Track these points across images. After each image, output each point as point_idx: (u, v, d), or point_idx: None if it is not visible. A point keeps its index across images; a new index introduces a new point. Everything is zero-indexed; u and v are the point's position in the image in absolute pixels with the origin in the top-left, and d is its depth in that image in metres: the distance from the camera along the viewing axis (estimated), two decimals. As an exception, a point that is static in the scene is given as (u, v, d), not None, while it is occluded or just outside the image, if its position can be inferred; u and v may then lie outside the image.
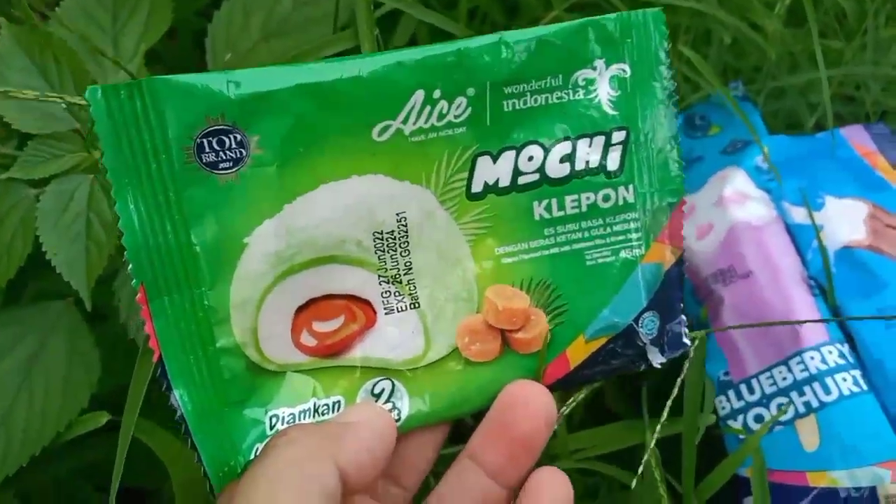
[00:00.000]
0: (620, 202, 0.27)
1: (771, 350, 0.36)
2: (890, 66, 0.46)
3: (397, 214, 0.25)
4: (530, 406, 0.25)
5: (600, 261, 0.27)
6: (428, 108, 0.25)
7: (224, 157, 0.23)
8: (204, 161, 0.23)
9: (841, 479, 0.33)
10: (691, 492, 0.31)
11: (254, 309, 0.24)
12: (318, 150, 0.24)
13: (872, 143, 0.44)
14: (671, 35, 0.49)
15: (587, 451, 0.32)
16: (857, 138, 0.44)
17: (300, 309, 0.25)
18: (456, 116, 0.25)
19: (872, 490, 0.32)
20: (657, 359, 0.28)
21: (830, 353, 0.35)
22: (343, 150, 0.24)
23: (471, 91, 0.25)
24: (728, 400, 0.37)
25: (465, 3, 0.43)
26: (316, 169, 0.24)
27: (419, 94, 0.25)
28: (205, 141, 0.23)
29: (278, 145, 0.23)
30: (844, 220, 0.40)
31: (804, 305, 0.36)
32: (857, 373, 0.35)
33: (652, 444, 0.29)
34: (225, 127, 0.23)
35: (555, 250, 0.27)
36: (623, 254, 0.27)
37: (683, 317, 0.28)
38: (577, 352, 0.27)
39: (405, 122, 0.25)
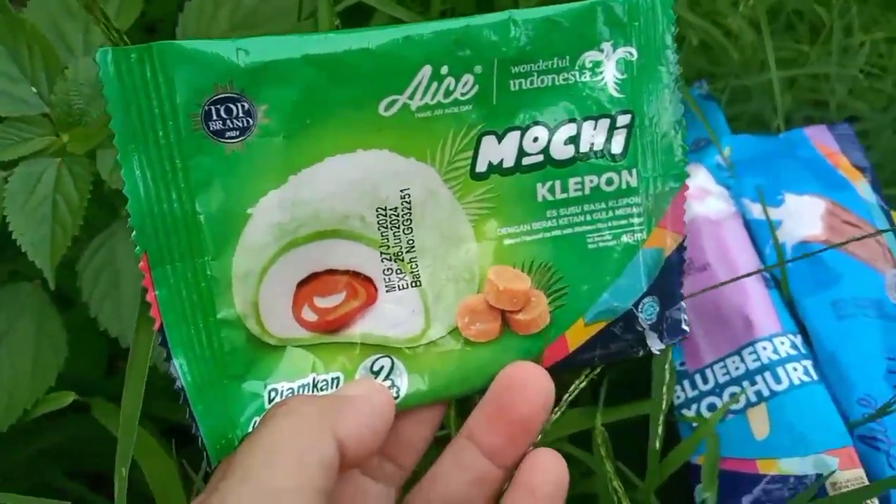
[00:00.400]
0: (624, 186, 0.27)
1: (725, 341, 0.37)
2: (856, 68, 0.47)
3: (401, 191, 0.25)
4: (529, 388, 0.25)
5: (602, 244, 0.27)
6: (435, 84, 0.25)
7: (231, 126, 0.23)
8: (211, 129, 0.23)
9: (790, 466, 0.33)
10: (656, 470, 0.32)
11: (256, 281, 0.24)
12: (324, 123, 0.24)
13: (835, 143, 0.45)
14: None
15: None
16: (820, 138, 0.45)
17: (302, 283, 0.25)
18: (463, 94, 0.25)
19: (820, 477, 0.32)
20: (656, 345, 0.28)
21: (782, 343, 0.36)
22: (349, 124, 0.24)
23: (478, 69, 0.25)
24: (683, 389, 0.38)
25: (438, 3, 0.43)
26: (322, 141, 0.24)
27: (427, 70, 0.24)
28: (212, 108, 0.23)
29: (286, 116, 0.23)
30: (802, 216, 0.41)
31: (759, 297, 0.37)
32: (808, 363, 0.36)
33: (599, 426, 0.30)
34: (233, 95, 0.23)
35: (557, 232, 0.27)
36: (625, 238, 0.27)
37: (683, 303, 0.28)
38: (577, 335, 0.27)
39: (412, 97, 0.25)
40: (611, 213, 0.27)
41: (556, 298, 0.27)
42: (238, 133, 0.23)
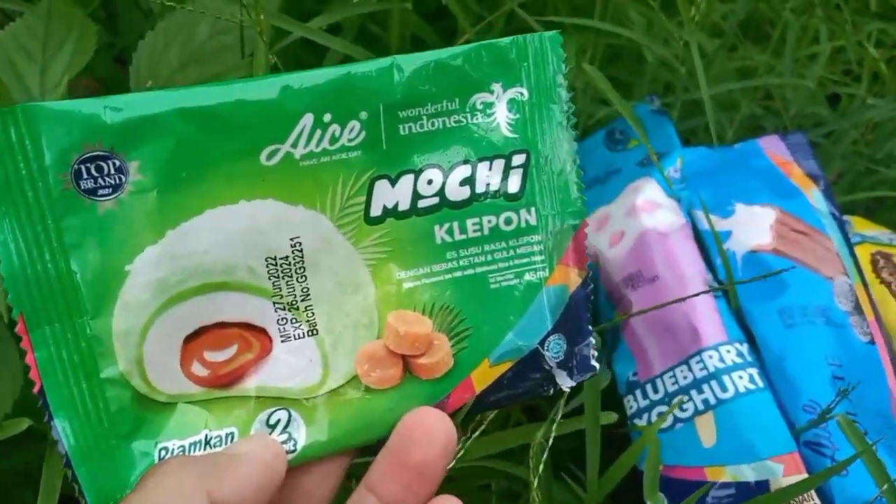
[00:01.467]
0: (523, 224, 0.27)
1: (674, 351, 0.38)
2: (811, 79, 0.48)
3: (291, 240, 0.25)
4: (427, 434, 0.25)
5: (504, 284, 0.27)
6: (319, 131, 0.25)
7: (103, 184, 0.23)
8: (82, 188, 0.23)
9: (737, 473, 0.34)
10: (595, 484, 0.32)
11: (138, 338, 0.24)
12: (202, 175, 0.24)
13: (788, 153, 0.46)
14: (599, 54, 0.50)
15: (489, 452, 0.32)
16: (772, 148, 0.46)
17: (190, 338, 0.25)
18: (350, 140, 0.25)
19: (766, 483, 0.33)
20: (566, 382, 0.28)
21: (728, 352, 0.36)
22: (230, 175, 0.24)
23: (364, 115, 0.25)
24: (635, 399, 0.38)
25: (397, 24, 0.43)
26: (201, 194, 0.24)
27: (308, 118, 0.24)
28: (83, 167, 0.23)
29: (159, 170, 0.23)
30: (752, 226, 0.41)
31: (705, 308, 0.38)
32: (753, 371, 0.36)
33: (539, 439, 0.30)
34: (103, 153, 0.23)
35: (458, 274, 0.27)
36: (527, 276, 0.27)
37: (592, 339, 0.28)
38: (483, 376, 0.27)
39: (294, 145, 0.25)
40: (511, 253, 0.27)
41: (459, 340, 0.27)
42: (111, 191, 0.23)
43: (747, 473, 0.33)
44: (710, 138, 0.51)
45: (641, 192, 0.42)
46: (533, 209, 0.27)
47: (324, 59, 0.44)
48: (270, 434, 0.25)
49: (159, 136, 0.23)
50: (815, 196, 0.44)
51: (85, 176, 0.23)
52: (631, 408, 0.38)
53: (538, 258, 0.27)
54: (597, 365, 0.28)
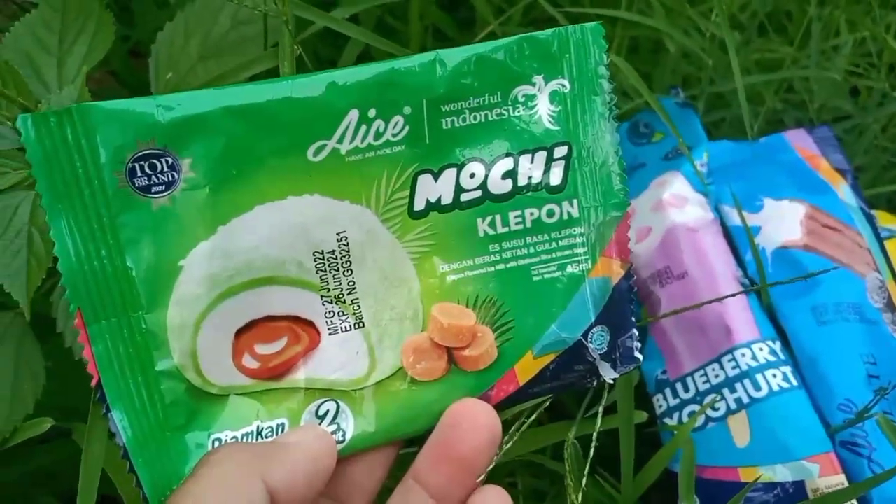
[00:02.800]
0: (565, 217, 0.27)
1: (705, 348, 0.37)
2: (836, 71, 0.47)
3: (338, 234, 0.25)
4: (473, 425, 0.25)
5: (547, 276, 0.27)
6: (364, 127, 0.25)
7: (156, 181, 0.23)
8: (136, 185, 0.23)
9: (771, 473, 0.33)
10: (630, 484, 0.32)
11: (191, 332, 0.24)
12: (251, 172, 0.24)
13: (815, 146, 0.45)
14: (624, 45, 0.50)
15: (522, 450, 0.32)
16: (800, 142, 0.45)
17: (241, 331, 0.25)
18: (394, 135, 0.25)
19: (801, 484, 0.32)
20: (609, 374, 0.28)
21: (761, 349, 0.36)
22: (278, 171, 0.24)
23: (407, 109, 0.25)
24: (665, 398, 0.38)
25: (417, 16, 0.43)
26: (250, 190, 0.24)
27: (353, 114, 0.25)
28: (136, 165, 0.23)
29: (210, 168, 0.24)
30: (781, 222, 0.40)
31: (737, 305, 0.37)
32: (787, 369, 0.35)
33: (572, 438, 0.30)
34: (156, 151, 0.23)
35: (500, 266, 0.27)
36: (569, 269, 0.27)
37: (635, 330, 0.28)
38: (526, 368, 0.27)
39: (340, 141, 0.25)
40: (554, 245, 0.27)
41: (502, 333, 0.27)
42: (164, 188, 0.23)
43: (782, 474, 0.33)
44: (733, 132, 0.51)
45: (668, 187, 0.42)
46: (575, 201, 0.27)
47: (342, 51, 0.44)
48: (320, 425, 0.26)
49: (210, 133, 0.24)
50: (843, 190, 0.43)
51: (139, 174, 0.23)
52: (660, 406, 0.38)
53: (581, 250, 0.27)
54: (640, 357, 0.28)
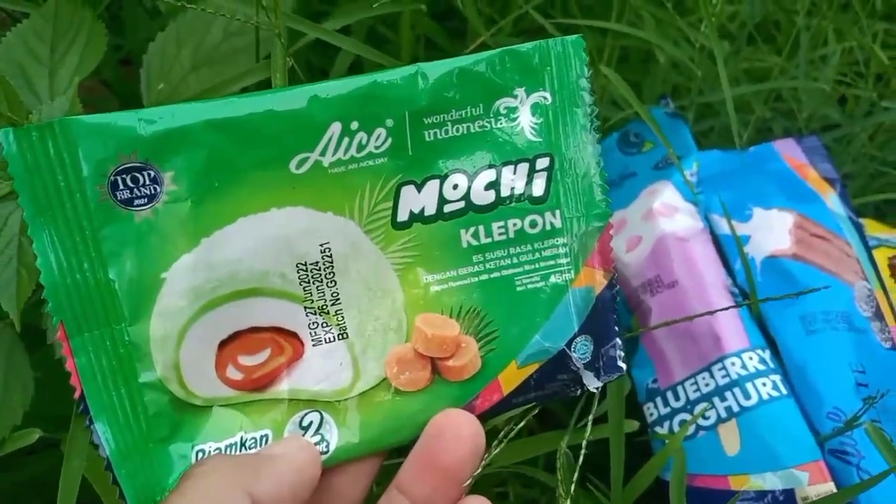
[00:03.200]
0: (548, 227, 0.27)
1: (695, 357, 0.37)
2: (824, 81, 0.47)
3: (321, 246, 0.26)
4: (457, 435, 0.25)
5: (530, 286, 0.27)
6: (346, 139, 0.25)
7: (139, 194, 0.24)
8: (119, 198, 0.23)
9: (761, 482, 0.33)
10: (619, 492, 0.32)
11: (174, 344, 0.24)
12: (234, 184, 0.24)
13: (804, 155, 0.45)
14: (614, 56, 0.50)
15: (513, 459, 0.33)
16: (788, 151, 0.45)
17: (224, 343, 0.25)
18: (376, 147, 0.26)
19: (791, 492, 0.32)
20: (593, 383, 0.28)
21: (751, 358, 0.36)
22: (261, 184, 0.25)
23: (389, 122, 0.25)
24: (656, 407, 0.38)
25: (408, 26, 0.44)
26: (233, 203, 0.24)
27: (336, 127, 0.25)
28: (119, 178, 0.23)
29: (192, 180, 0.24)
30: (770, 231, 0.41)
31: (727, 313, 0.37)
32: (776, 377, 0.35)
33: (564, 448, 0.30)
34: (138, 164, 0.23)
35: (484, 277, 0.27)
36: (553, 279, 0.27)
37: (619, 340, 0.28)
38: (510, 378, 0.27)
39: (323, 154, 0.25)
40: (537, 255, 0.27)
41: (486, 343, 0.27)
42: (146, 201, 0.24)
43: (772, 482, 0.33)
44: (721, 141, 0.51)
45: (658, 196, 0.42)
46: (558, 212, 0.27)
47: (333, 61, 0.44)
48: (303, 436, 0.26)
49: (191, 147, 0.24)
50: (832, 199, 0.43)
51: (121, 187, 0.23)
52: (651, 415, 0.38)
53: (563, 260, 0.27)
54: (623, 366, 0.28)
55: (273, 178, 0.25)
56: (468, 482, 0.25)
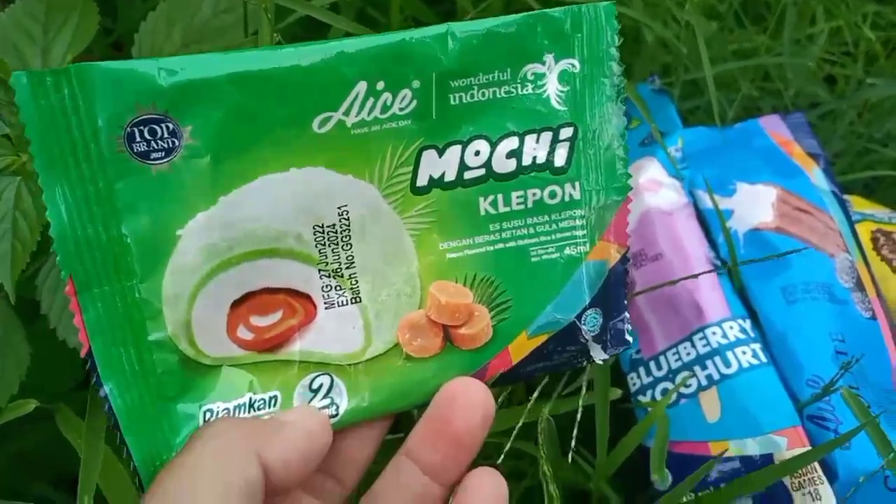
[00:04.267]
0: (567, 199, 0.27)
1: (677, 327, 0.38)
2: (811, 59, 0.47)
3: (339, 208, 0.25)
4: (467, 403, 0.25)
5: (545, 257, 0.27)
6: (371, 99, 0.24)
7: (156, 147, 0.22)
8: (135, 150, 0.22)
9: (741, 447, 0.34)
10: (605, 458, 0.33)
11: (187, 302, 0.24)
12: (254, 142, 0.23)
13: (788, 132, 0.46)
14: None
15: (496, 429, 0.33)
16: (773, 128, 0.46)
17: (237, 303, 0.25)
18: (401, 109, 0.25)
19: (769, 457, 0.33)
20: (600, 355, 0.28)
21: (731, 328, 0.37)
22: (281, 142, 0.24)
23: (416, 83, 0.25)
24: (639, 376, 0.39)
25: (397, 7, 0.42)
26: (252, 160, 0.23)
27: (362, 86, 0.24)
28: (136, 130, 0.22)
29: (212, 136, 0.23)
30: (754, 205, 0.42)
31: (708, 285, 0.38)
32: (756, 346, 0.36)
33: (546, 415, 0.31)
34: (156, 116, 0.22)
35: (500, 246, 0.27)
36: (568, 251, 0.27)
37: (627, 314, 0.28)
38: (520, 348, 0.27)
39: (347, 113, 0.24)
40: (554, 226, 0.27)
41: (498, 312, 0.27)
42: (164, 154, 0.23)
43: (751, 447, 0.34)
44: (709, 119, 0.51)
45: (644, 172, 0.42)
46: (577, 183, 0.27)
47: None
48: (312, 398, 0.26)
49: (213, 100, 0.23)
50: (816, 174, 0.44)
51: (138, 139, 0.22)
52: (634, 384, 0.39)
53: (580, 233, 0.27)
54: (630, 339, 0.28)
55: (294, 137, 0.24)
56: (477, 451, 0.26)
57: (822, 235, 0.41)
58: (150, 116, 0.22)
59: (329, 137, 0.24)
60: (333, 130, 0.24)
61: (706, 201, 0.42)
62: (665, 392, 0.37)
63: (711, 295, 0.38)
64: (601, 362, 0.28)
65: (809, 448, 0.34)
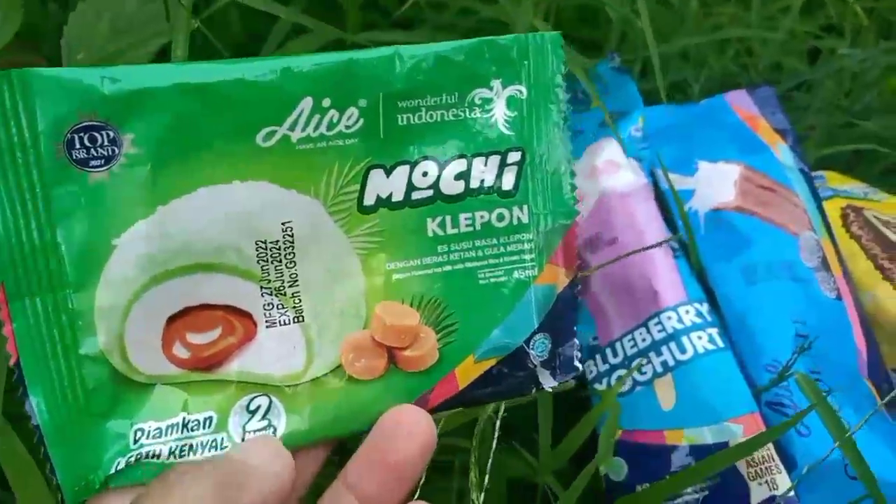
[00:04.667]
0: (515, 222, 0.27)
1: (633, 313, 0.37)
2: (782, 31, 0.47)
3: (283, 224, 0.25)
4: (410, 432, 0.25)
5: (493, 280, 0.27)
6: (317, 116, 0.24)
7: (95, 154, 0.22)
8: (74, 158, 0.22)
9: (696, 436, 0.33)
10: (548, 450, 0.32)
11: (120, 315, 0.23)
12: (196, 153, 0.23)
13: (755, 107, 0.45)
14: (575, 14, 0.49)
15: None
16: (739, 103, 0.45)
17: (173, 318, 0.24)
18: (347, 127, 0.25)
19: (725, 445, 0.32)
20: (548, 382, 0.28)
21: (687, 312, 0.36)
22: (225, 154, 0.24)
23: (363, 102, 0.25)
24: (595, 364, 0.37)
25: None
26: (194, 171, 0.23)
27: (307, 102, 0.24)
28: (76, 136, 0.22)
29: (153, 145, 0.23)
30: (715, 184, 0.41)
31: (664, 268, 0.37)
32: (713, 330, 0.35)
33: (489, 412, 0.30)
34: (97, 123, 0.22)
35: (447, 268, 0.27)
36: (516, 274, 0.27)
37: (576, 340, 0.28)
38: (467, 372, 0.27)
39: (292, 128, 0.24)
40: (502, 249, 0.27)
41: (445, 335, 0.26)
42: (103, 162, 0.22)
43: (706, 436, 0.33)
44: (677, 96, 0.51)
45: (602, 153, 0.41)
46: (525, 207, 0.27)
47: (272, 28, 0.43)
48: (249, 420, 0.25)
49: (156, 110, 0.23)
50: (782, 151, 0.43)
51: (78, 145, 0.22)
52: (591, 372, 0.37)
53: (528, 256, 0.27)
54: (580, 366, 0.28)
55: (238, 150, 0.24)
56: (417, 482, 0.25)
57: (786, 213, 0.40)
58: (90, 123, 0.22)
59: (274, 152, 0.24)
60: (278, 145, 0.24)
61: (666, 181, 0.41)
62: (620, 379, 0.36)
63: (668, 278, 0.37)
64: (550, 389, 0.28)
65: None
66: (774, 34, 0.49)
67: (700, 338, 0.35)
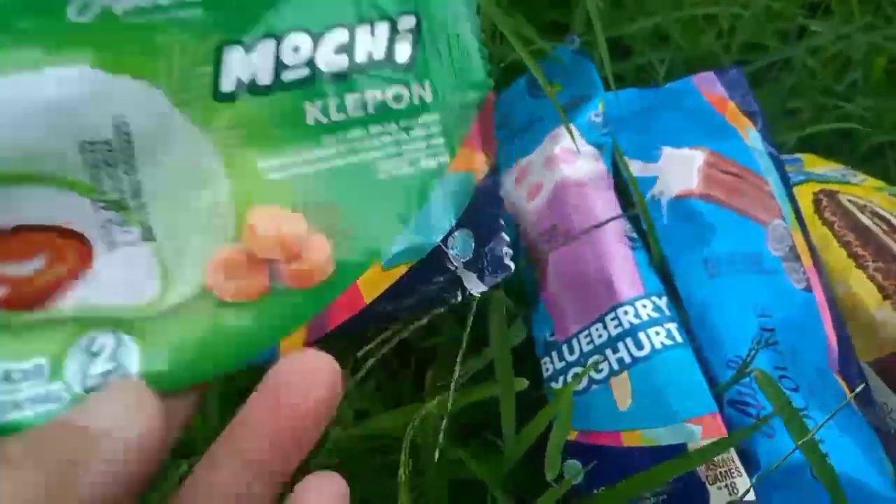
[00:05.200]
0: (416, 101, 0.22)
1: (589, 308, 0.33)
2: (754, 7, 0.44)
3: (115, 119, 0.20)
4: (306, 386, 0.19)
5: (395, 173, 0.22)
6: None
7: None
8: None
9: (653, 437, 0.29)
10: (513, 447, 0.28)
11: None
12: None
13: (723, 89, 0.41)
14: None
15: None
16: (706, 86, 0.42)
17: (-21, 244, 0.19)
18: None
19: (683, 447, 0.28)
20: (476, 286, 0.22)
21: (644, 306, 0.32)
22: (28, 34, 0.19)
23: None
24: (552, 361, 0.33)
25: None
26: None
27: None
28: None
29: None
30: (679, 171, 0.37)
31: (621, 260, 0.33)
32: (672, 325, 0.32)
33: (431, 409, 0.26)
34: None
35: (338, 162, 0.21)
36: (423, 163, 0.22)
37: (505, 235, 0.23)
38: (373, 283, 0.21)
39: None
40: (403, 135, 0.22)
41: (341, 241, 0.21)
42: None
43: (663, 437, 0.29)
44: (642, 80, 0.48)
45: (560, 141, 0.38)
46: (427, 83, 0.22)
47: None
48: (91, 363, 0.19)
49: None
50: (750, 135, 0.40)
51: None
52: (547, 370, 0.34)
53: (436, 140, 0.22)
54: (511, 265, 0.23)
55: (45, 27, 0.19)
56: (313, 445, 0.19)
57: (753, 200, 0.37)
58: None
59: (93, 28, 0.19)
60: (98, 19, 0.19)
61: (628, 168, 0.37)
62: (576, 378, 0.32)
63: (624, 271, 0.33)
64: (477, 294, 0.22)
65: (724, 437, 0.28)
66: (742, 10, 0.46)
67: (658, 333, 0.32)
